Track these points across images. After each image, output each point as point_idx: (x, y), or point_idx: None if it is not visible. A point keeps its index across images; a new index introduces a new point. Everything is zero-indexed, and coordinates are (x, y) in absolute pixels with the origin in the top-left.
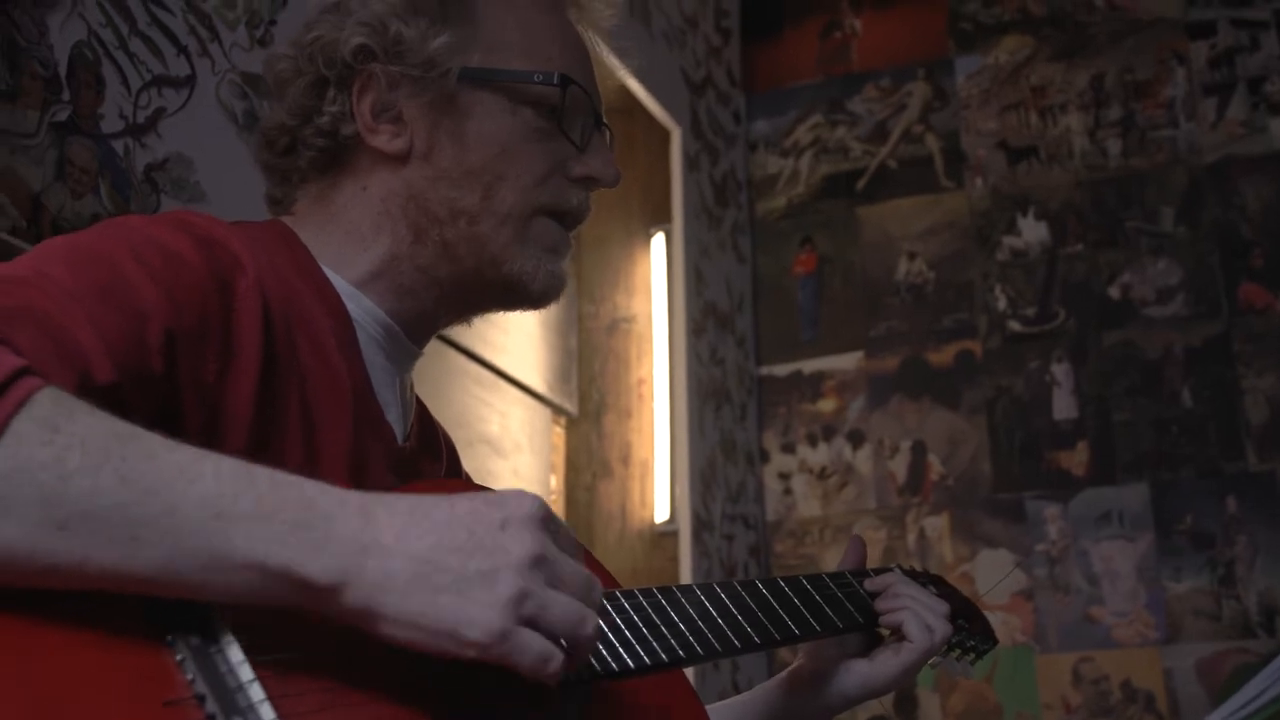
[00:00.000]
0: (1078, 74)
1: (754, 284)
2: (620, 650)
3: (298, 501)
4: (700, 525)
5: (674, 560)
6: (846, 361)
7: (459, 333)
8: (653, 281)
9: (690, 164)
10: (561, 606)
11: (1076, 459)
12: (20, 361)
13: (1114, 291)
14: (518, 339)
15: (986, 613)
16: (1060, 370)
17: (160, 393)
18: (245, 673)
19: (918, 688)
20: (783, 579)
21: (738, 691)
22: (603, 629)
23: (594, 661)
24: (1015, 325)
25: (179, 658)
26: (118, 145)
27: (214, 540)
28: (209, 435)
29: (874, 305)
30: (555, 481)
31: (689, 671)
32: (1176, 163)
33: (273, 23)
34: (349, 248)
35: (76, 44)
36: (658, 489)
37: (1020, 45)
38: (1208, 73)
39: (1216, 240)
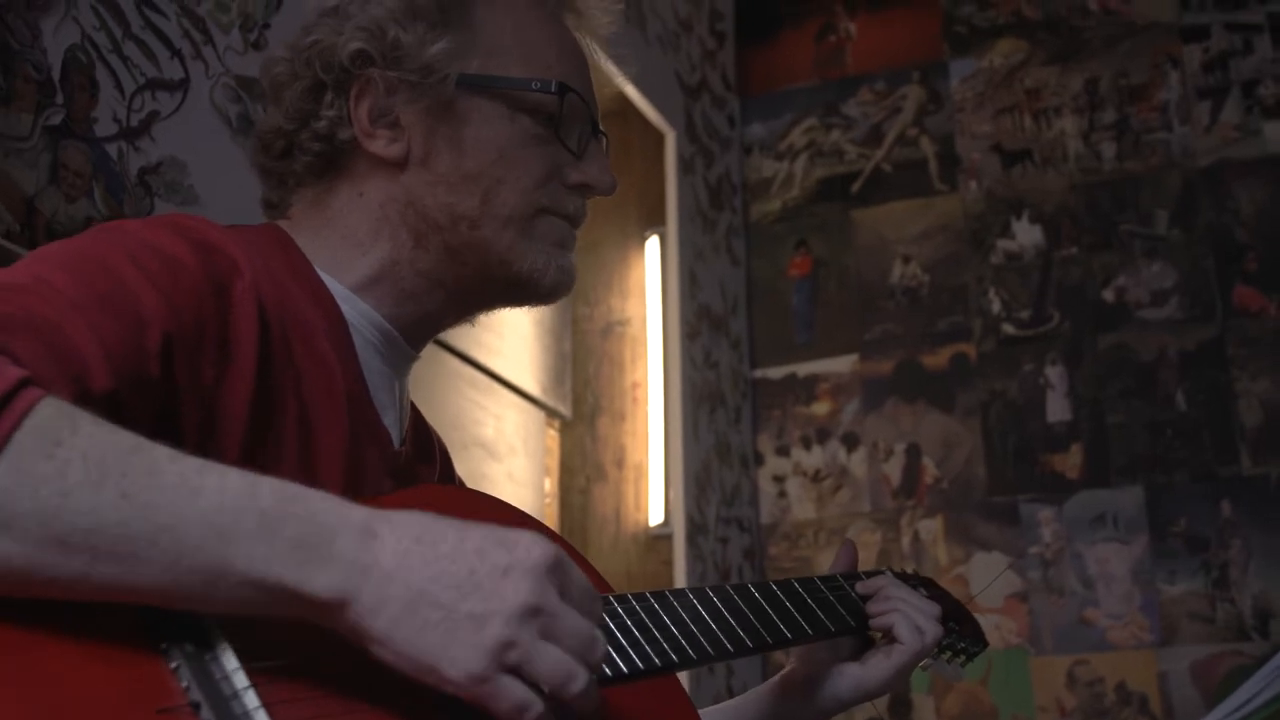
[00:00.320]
0: (1072, 77)
1: (748, 287)
2: (614, 655)
3: (301, 518)
4: (695, 528)
5: (668, 563)
6: (841, 364)
7: (453, 336)
8: (647, 284)
9: (685, 167)
10: (551, 661)
11: (1071, 462)
12: (21, 372)
13: (1108, 295)
14: (512, 342)
15: (981, 615)
16: (1054, 373)
17: (158, 396)
18: (240, 680)
19: (912, 691)
20: (775, 582)
21: (732, 695)
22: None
23: None
24: (1010, 328)
25: (173, 665)
26: (111, 149)
27: (215, 558)
28: (205, 437)
29: (868, 308)
30: (549, 484)
31: (683, 676)
32: (1171, 166)
33: (266, 26)
34: (345, 252)
35: (70, 47)
36: (652, 492)
37: (1015, 49)
38: (1202, 76)
39: (1211, 244)
